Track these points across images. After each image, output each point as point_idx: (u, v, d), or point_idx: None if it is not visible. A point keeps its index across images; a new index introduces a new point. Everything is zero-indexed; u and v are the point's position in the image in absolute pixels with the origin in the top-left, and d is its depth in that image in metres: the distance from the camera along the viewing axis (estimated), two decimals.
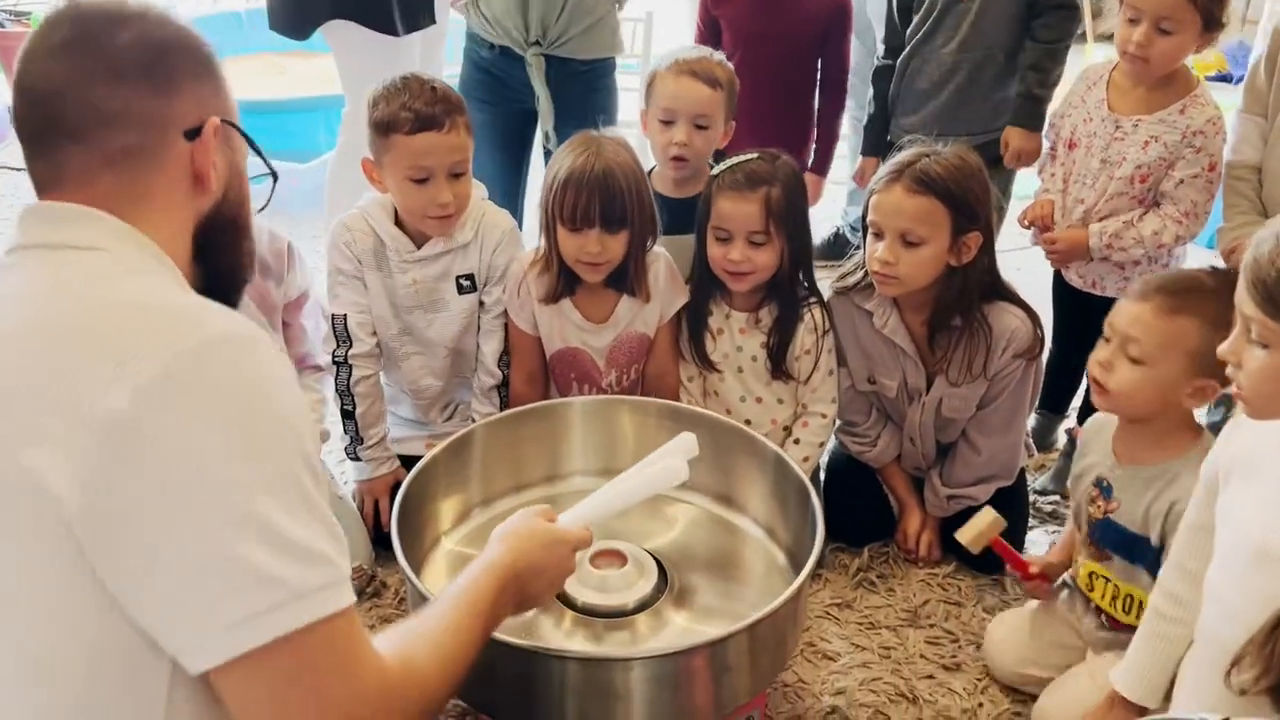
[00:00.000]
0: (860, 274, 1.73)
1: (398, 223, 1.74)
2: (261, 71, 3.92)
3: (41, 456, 0.68)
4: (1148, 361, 1.34)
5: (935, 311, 1.68)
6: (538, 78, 2.16)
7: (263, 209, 0.97)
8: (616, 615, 1.35)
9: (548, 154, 2.24)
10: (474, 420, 1.82)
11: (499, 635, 1.08)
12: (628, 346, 1.79)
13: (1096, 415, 1.51)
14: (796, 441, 1.80)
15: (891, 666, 1.63)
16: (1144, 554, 1.40)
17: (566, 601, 1.36)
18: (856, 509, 1.87)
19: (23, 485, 0.68)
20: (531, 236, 1.82)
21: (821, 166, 2.35)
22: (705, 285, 1.78)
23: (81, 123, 0.81)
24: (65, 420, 0.68)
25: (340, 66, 2.40)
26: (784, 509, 1.53)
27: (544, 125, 2.21)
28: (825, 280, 1.83)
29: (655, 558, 1.44)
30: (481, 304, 1.81)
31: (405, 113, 1.59)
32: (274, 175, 0.97)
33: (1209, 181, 1.77)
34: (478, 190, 1.76)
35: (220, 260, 0.92)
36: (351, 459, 1.82)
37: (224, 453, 0.70)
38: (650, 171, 1.86)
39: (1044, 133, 2.00)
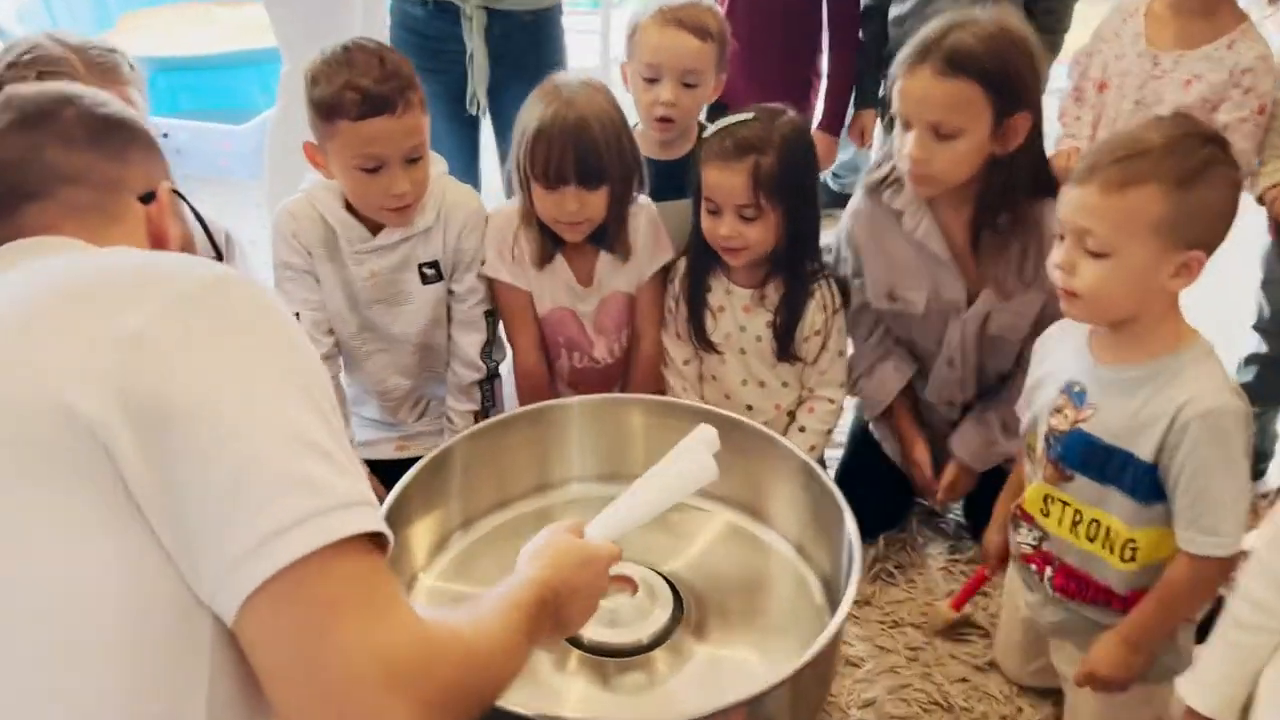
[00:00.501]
0: (889, 166, 1.51)
1: (349, 207, 1.53)
2: (191, 21, 3.68)
3: (73, 389, 0.66)
4: (1110, 251, 1.12)
5: (978, 209, 1.46)
6: (476, 34, 1.89)
7: None
8: (630, 654, 1.20)
9: (496, 118, 2.00)
10: (449, 420, 1.65)
11: None
12: (613, 308, 1.64)
13: (1058, 321, 1.31)
14: (802, 429, 1.64)
15: (921, 670, 1.52)
16: (1120, 471, 1.21)
17: (571, 639, 1.20)
18: (866, 495, 1.69)
19: (65, 423, 0.66)
20: (490, 204, 1.64)
21: (832, 124, 2.10)
22: (703, 259, 1.59)
23: (42, 184, 0.84)
24: (87, 351, 0.67)
25: (272, 18, 2.14)
26: (815, 519, 1.38)
27: (475, 86, 1.93)
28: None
29: (668, 580, 1.29)
30: (452, 293, 1.62)
31: (350, 94, 1.36)
32: (219, 255, 1.01)
33: (1257, 126, 1.60)
34: (438, 165, 1.54)
35: None
36: None
37: (252, 364, 0.70)
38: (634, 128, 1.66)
39: (1068, 73, 1.82)
